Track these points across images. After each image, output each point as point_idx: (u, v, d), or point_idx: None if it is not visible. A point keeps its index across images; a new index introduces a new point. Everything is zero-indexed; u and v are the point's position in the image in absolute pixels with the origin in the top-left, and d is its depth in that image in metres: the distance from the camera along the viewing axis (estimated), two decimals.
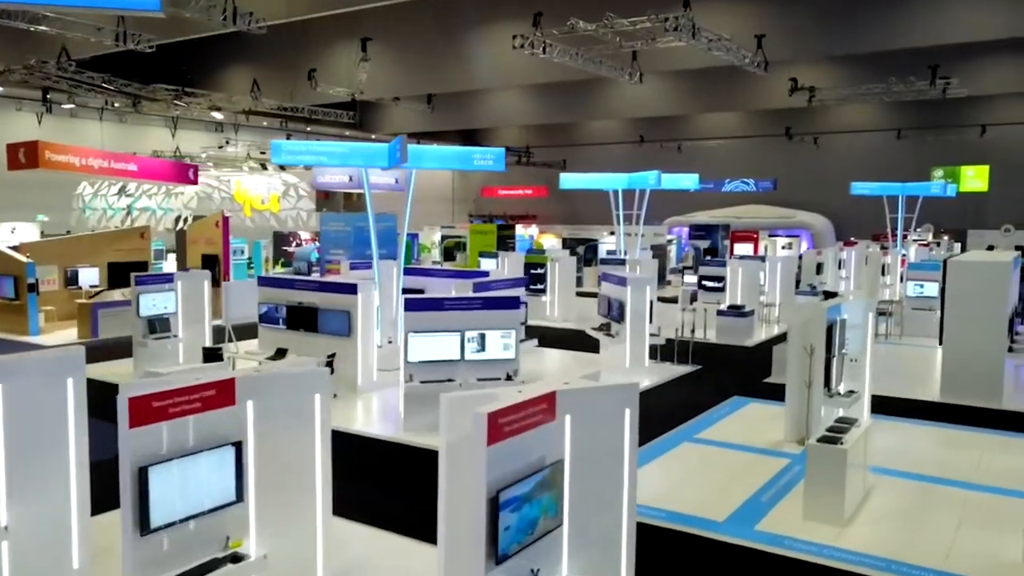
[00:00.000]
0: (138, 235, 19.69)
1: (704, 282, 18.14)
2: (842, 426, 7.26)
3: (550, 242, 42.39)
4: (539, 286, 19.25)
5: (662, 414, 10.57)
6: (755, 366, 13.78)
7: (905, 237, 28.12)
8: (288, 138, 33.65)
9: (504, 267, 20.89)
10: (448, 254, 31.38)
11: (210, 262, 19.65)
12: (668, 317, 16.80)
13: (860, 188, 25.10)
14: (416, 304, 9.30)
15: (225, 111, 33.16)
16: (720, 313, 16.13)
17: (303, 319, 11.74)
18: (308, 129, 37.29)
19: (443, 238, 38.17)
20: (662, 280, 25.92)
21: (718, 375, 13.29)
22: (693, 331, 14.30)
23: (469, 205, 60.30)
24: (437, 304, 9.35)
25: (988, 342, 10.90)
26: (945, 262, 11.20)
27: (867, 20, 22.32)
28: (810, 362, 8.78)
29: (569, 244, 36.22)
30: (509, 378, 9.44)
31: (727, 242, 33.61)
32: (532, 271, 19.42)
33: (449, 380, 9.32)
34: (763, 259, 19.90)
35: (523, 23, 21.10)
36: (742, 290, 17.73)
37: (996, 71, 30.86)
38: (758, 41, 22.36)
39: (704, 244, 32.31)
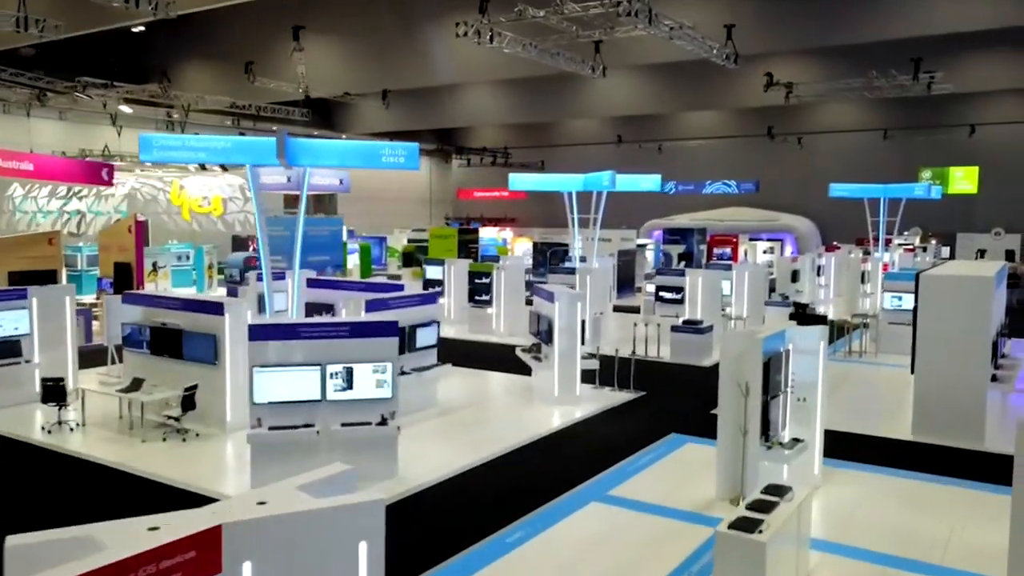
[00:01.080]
0: (46, 241, 17.92)
1: (661, 293, 16.47)
2: (769, 500, 5.56)
3: (525, 246, 40.74)
4: (484, 297, 17.57)
5: (579, 459, 8.89)
6: (708, 392, 11.97)
7: (889, 242, 26.54)
8: (242, 135, 31.92)
9: (451, 276, 19.23)
10: (408, 259, 29.66)
11: (123, 271, 17.94)
12: (627, 331, 15.16)
13: (839, 190, 23.50)
14: (263, 332, 7.58)
15: (177, 109, 31.44)
16: (675, 329, 14.46)
17: (167, 343, 10.02)
18: (256, 127, 35.49)
19: (410, 242, 36.50)
20: (629, 289, 24.27)
21: (661, 404, 11.61)
22: (633, 352, 12.58)
23: (447, 207, 58.62)
24: (291, 331, 7.63)
25: (967, 371, 9.25)
26: (917, 276, 9.56)
27: (843, 10, 20.71)
28: (745, 404, 7.11)
29: (540, 249, 34.52)
30: (384, 422, 7.74)
31: (703, 247, 31.95)
32: (476, 280, 17.72)
33: (307, 426, 7.60)
34: (729, 267, 18.25)
35: (475, 13, 19.45)
36: (702, 302, 16.08)
37: (984, 67, 29.30)
38: (727, 31, 20.73)
39: (679, 249, 30.65)
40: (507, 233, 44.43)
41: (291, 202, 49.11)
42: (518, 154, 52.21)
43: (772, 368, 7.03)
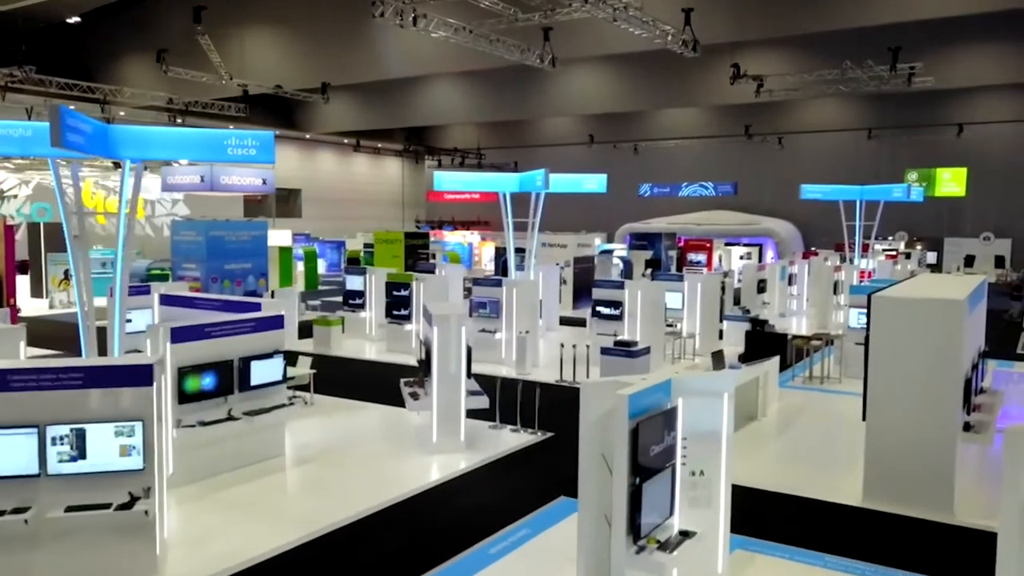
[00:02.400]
0: None
1: (598, 308, 14.43)
2: None
3: (492, 251, 38.79)
4: (403, 312, 15.51)
5: (434, 535, 6.86)
6: None
7: (867, 247, 24.59)
8: None
9: (372, 287, 17.19)
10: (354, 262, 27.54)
11: None
12: (565, 351, 13.17)
13: (811, 192, 21.54)
14: None
15: (114, 104, 29.39)
16: (604, 351, 12.43)
17: None
18: (179, 121, 33.39)
19: (367, 247, 34.41)
20: (588, 299, 22.18)
21: (564, 451, 9.53)
22: (560, 378, 10.55)
23: (420, 209, 56.58)
24: None
25: (931, 420, 7.25)
26: (869, 298, 7.54)
27: None
28: (611, 485, 5.08)
29: (502, 254, 32.49)
30: (131, 503, 5.68)
31: (673, 252, 29.95)
32: (395, 292, 15.67)
33: (16, 511, 5.53)
34: (680, 277, 16.24)
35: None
36: (643, 318, 14.05)
37: (970, 61, 27.42)
38: (686, 16, 18.78)
39: (646, 255, 28.65)
40: (475, 237, 42.37)
41: (253, 208, 47.12)
42: (492, 155, 50.23)
43: (645, 436, 4.99)
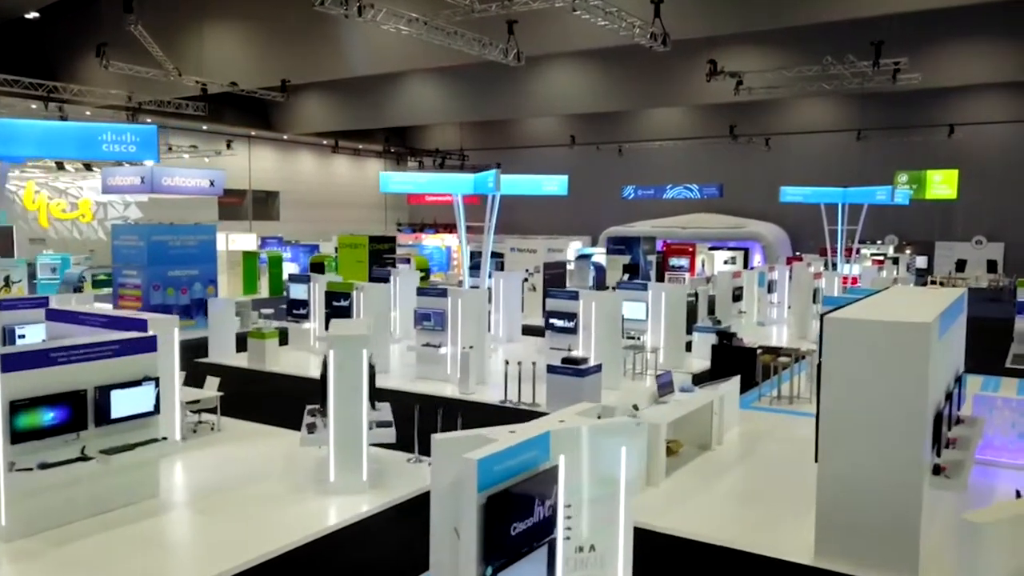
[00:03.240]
0: None
1: (552, 320, 13.30)
2: None
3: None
4: None
5: None
6: None
7: (851, 252, 23.49)
8: None
9: (315, 296, 16.05)
10: (315, 271, 26.34)
11: None
12: (509, 370, 12.01)
13: (791, 194, 20.43)
14: None
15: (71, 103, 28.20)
16: (551, 369, 11.30)
17: None
18: (148, 121, 32.27)
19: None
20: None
21: None
22: (505, 398, 9.41)
23: (402, 212, 55.40)
24: None
25: (894, 463, 6.13)
26: (822, 319, 6.42)
27: None
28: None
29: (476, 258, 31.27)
30: None
31: (652, 257, 28.83)
32: (335, 303, 14.53)
33: None
34: (644, 286, 15.11)
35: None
36: (599, 332, 12.93)
37: (960, 58, 26.38)
38: (655, 8, 17.67)
39: (624, 259, 27.54)
40: (454, 240, 41.15)
41: (229, 210, 45.89)
42: (475, 156, 49.13)
43: (502, 511, 3.86)
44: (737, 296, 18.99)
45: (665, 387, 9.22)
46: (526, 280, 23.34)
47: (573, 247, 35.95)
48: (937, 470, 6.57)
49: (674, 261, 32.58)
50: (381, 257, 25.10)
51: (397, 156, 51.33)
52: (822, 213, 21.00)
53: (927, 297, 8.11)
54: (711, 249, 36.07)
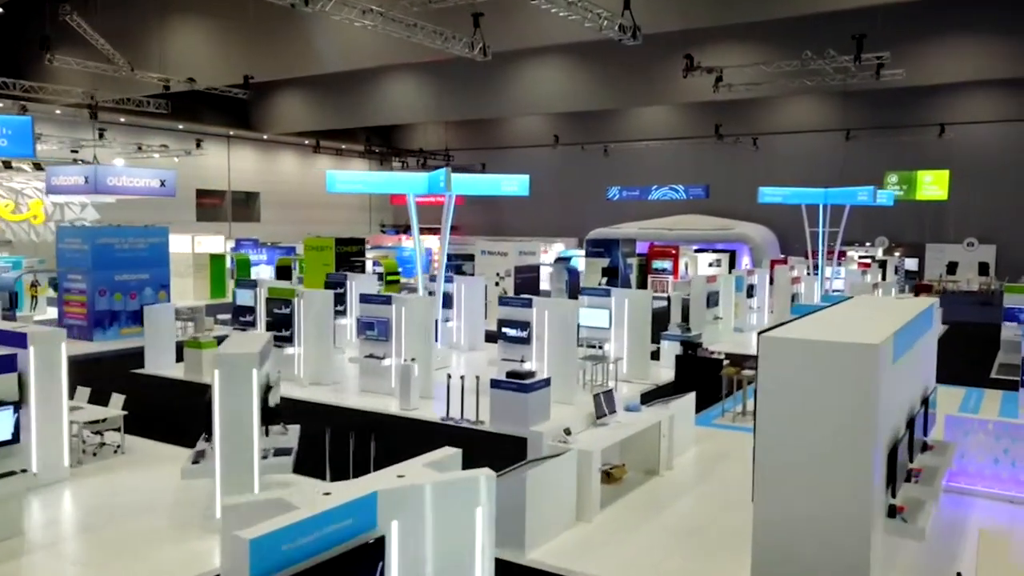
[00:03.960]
0: None
1: (504, 329, 12.42)
2: None
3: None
4: (283, 332, 13.49)
5: None
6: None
7: (834, 254, 22.65)
8: (101, 134, 27.76)
9: (261, 303, 15.15)
10: (281, 275, 25.52)
11: None
12: (452, 383, 11.13)
13: (770, 195, 19.59)
14: None
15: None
16: (495, 384, 10.42)
17: None
18: (123, 120, 31.47)
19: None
20: None
21: None
22: (447, 414, 8.51)
23: (387, 213, 54.51)
24: None
25: (839, 506, 5.27)
26: (759, 337, 5.56)
27: None
28: None
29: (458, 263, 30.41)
30: None
31: (632, 260, 27.94)
32: (275, 311, 13.65)
33: None
34: (607, 292, 14.24)
35: None
36: (551, 341, 12.06)
37: (948, 55, 25.56)
38: (625, 1, 16.80)
39: (602, 263, 26.65)
40: (434, 242, 40.25)
41: (208, 212, 44.96)
42: (460, 156, 48.28)
43: None
44: (713, 301, 18.14)
45: (606, 406, 8.35)
46: (497, 284, 22.53)
47: (556, 249, 35.12)
48: (893, 512, 5.71)
49: (657, 264, 31.79)
50: (349, 260, 24.21)
51: (381, 156, 50.48)
52: (803, 214, 20.13)
53: (891, 309, 7.25)
54: (698, 251, 35.26)
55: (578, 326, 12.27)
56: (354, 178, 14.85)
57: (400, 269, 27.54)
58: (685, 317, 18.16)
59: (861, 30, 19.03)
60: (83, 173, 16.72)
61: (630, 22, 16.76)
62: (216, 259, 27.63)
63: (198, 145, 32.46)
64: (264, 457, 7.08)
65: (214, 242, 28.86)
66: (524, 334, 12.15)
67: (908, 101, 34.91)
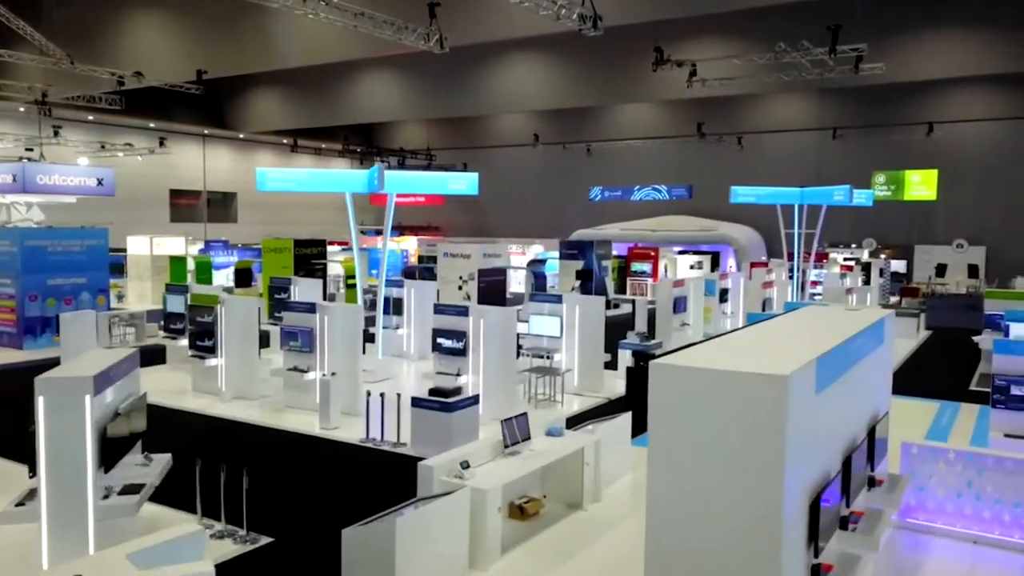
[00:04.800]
0: None
1: (439, 340, 11.45)
2: None
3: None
4: (205, 343, 12.52)
5: None
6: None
7: (811, 257, 21.70)
8: (56, 132, 26.77)
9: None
10: (241, 278, 24.51)
11: None
12: (371, 401, 10.14)
13: (743, 195, 18.65)
14: None
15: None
16: (416, 402, 9.45)
17: None
18: (91, 118, 30.50)
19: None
20: None
21: (281, 572, 6.57)
22: (367, 435, 7.54)
23: (370, 213, 53.47)
24: None
25: (744, 568, 4.30)
26: (651, 364, 4.60)
27: None
28: None
29: (423, 265, 29.50)
30: None
31: (608, 262, 26.98)
32: (198, 319, 12.67)
33: None
34: (559, 298, 13.28)
35: None
36: (488, 353, 11.10)
37: (934, 49, 24.69)
38: None
39: (576, 265, 25.69)
40: (409, 243, 39.38)
41: (183, 212, 43.92)
42: (443, 156, 47.29)
43: None
44: (679, 306, 17.18)
45: (517, 433, 7.39)
46: (460, 288, 21.59)
47: (534, 251, 34.18)
48: (817, 573, 4.75)
49: (636, 266, 30.87)
50: (309, 262, 23.25)
51: (362, 155, 49.49)
52: (779, 215, 19.21)
53: (836, 324, 6.30)
54: (682, 253, 34.35)
55: (518, 335, 11.31)
56: (286, 176, 13.84)
57: (372, 272, 26.59)
58: (651, 324, 17.25)
59: (839, 22, 18.10)
60: (11, 171, 15.73)
61: (590, 11, 15.83)
62: (177, 261, 26.63)
63: (161, 143, 31.47)
64: (105, 497, 6.10)
65: (174, 243, 27.85)
66: (460, 345, 11.18)
67: (895, 99, 34.03)
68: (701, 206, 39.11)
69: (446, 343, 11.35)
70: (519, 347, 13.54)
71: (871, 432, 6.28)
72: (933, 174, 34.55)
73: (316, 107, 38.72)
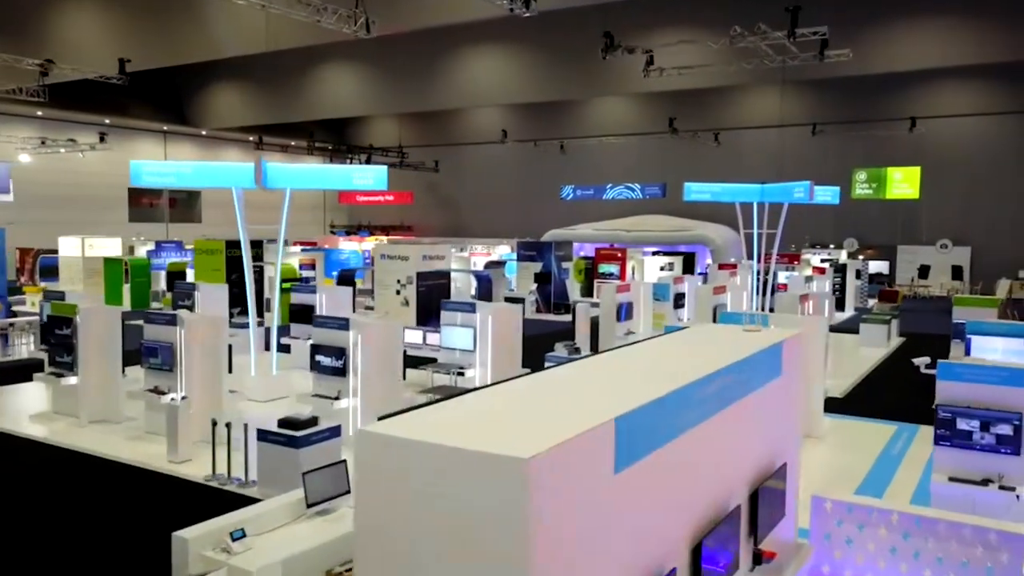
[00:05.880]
0: None
1: (317, 357, 9.97)
2: None
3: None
4: (64, 359, 11.03)
5: None
6: None
7: (790, 258, 20.28)
8: None
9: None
10: (170, 281, 22.97)
11: None
12: (217, 432, 8.66)
13: (697, 192, 17.22)
14: None
15: None
16: (262, 436, 7.97)
17: None
18: (40, 113, 29.02)
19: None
20: (431, 325, 17.76)
21: None
22: (212, 472, 6.10)
23: (343, 213, 51.93)
24: None
25: None
26: (358, 432, 3.15)
27: None
28: None
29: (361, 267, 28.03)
30: None
31: (568, 264, 25.50)
32: (56, 331, 11.17)
33: None
34: (472, 307, 11.80)
35: None
36: (369, 372, 9.63)
37: (910, 38, 23.29)
38: None
39: (535, 267, 24.23)
40: (370, 244, 37.79)
41: (143, 212, 42.43)
42: (415, 153, 45.79)
43: None
44: (623, 313, 15.73)
45: (329, 488, 5.89)
46: (398, 292, 20.09)
47: (500, 251, 32.69)
48: None
49: (604, 268, 29.39)
50: (242, 265, 21.73)
51: (332, 153, 47.93)
52: (738, 213, 17.78)
53: (704, 355, 4.83)
54: (655, 254, 32.88)
55: (404, 351, 9.83)
56: (165, 169, 12.35)
57: (334, 275, 25.10)
58: (594, 333, 15.80)
59: (798, 4, 16.66)
60: None
61: None
62: (112, 264, 25.13)
63: (102, 139, 29.95)
64: None
65: (110, 244, 26.34)
66: (340, 364, 9.70)
67: (877, 93, 32.69)
68: (679, 205, 37.68)
69: (325, 361, 9.87)
70: (434, 362, 12.14)
71: (755, 494, 4.82)
72: (916, 172, 33.12)
73: (280, 103, 37.31)
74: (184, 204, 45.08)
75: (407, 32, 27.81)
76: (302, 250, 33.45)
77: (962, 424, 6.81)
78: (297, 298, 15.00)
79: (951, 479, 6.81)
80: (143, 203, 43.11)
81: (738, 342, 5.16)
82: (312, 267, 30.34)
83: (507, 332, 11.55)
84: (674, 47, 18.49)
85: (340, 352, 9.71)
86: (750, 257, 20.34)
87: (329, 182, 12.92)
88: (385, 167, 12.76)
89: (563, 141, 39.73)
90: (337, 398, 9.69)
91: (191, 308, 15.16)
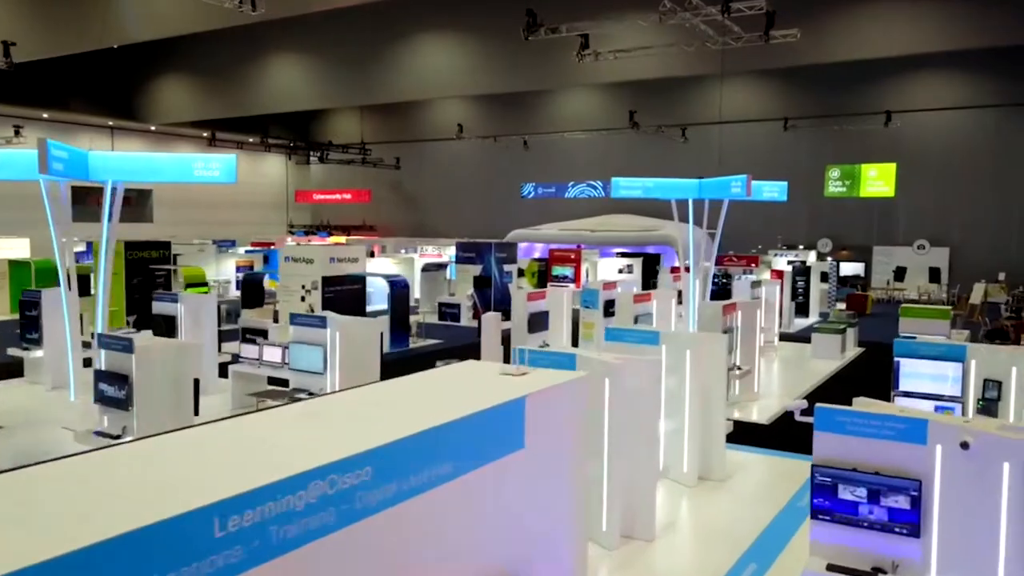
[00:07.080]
0: None
1: (101, 385, 8.15)
2: None
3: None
4: None
5: None
6: None
7: (748, 261, 18.51)
8: None
9: None
10: (81, 285, 21.07)
11: None
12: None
13: (626, 188, 15.42)
14: None
15: None
16: None
17: None
18: None
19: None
20: (404, 338, 15.87)
21: None
22: None
23: (306, 212, 50.02)
24: None
25: None
26: None
27: None
28: None
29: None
30: None
31: (511, 267, 23.67)
32: None
33: None
34: (323, 322, 9.97)
35: None
36: (154, 403, 7.80)
37: (875, 22, 21.55)
38: None
39: (474, 271, 22.39)
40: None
41: (87, 211, 40.58)
42: (376, 150, 43.89)
43: None
44: (539, 324, 13.95)
45: None
46: (303, 299, 18.26)
47: (449, 252, 30.86)
48: None
49: (558, 270, 27.60)
50: (148, 268, 19.97)
51: (291, 150, 45.99)
52: (673, 211, 16.00)
53: (398, 413, 3.01)
54: (621, 255, 31.07)
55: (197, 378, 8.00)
56: (9, 162, 10.61)
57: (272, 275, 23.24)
58: (506, 344, 14.00)
59: None
60: None
61: None
62: (18, 266, 23.29)
63: (17, 133, 28.04)
64: None
65: (17, 245, 24.47)
66: (123, 394, 7.88)
67: (850, 86, 31.01)
68: (647, 204, 35.91)
69: (108, 390, 8.05)
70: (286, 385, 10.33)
71: None
72: (891, 168, 31.38)
73: (228, 97, 35.52)
74: (133, 203, 43.17)
75: (344, 14, 26.15)
76: (245, 252, 31.69)
77: (844, 493, 5.01)
78: (159, 307, 13.18)
79: (830, 567, 5.00)
80: (90, 202, 41.19)
81: (459, 396, 3.34)
82: (251, 269, 28.53)
83: (363, 350, 9.73)
84: (607, 29, 16.70)
85: (123, 380, 7.89)
86: (685, 268, 18.61)
87: (165, 174, 11.07)
88: (234, 156, 10.98)
89: (526, 137, 37.94)
90: (122, 433, 7.87)
91: (37, 319, 13.42)
